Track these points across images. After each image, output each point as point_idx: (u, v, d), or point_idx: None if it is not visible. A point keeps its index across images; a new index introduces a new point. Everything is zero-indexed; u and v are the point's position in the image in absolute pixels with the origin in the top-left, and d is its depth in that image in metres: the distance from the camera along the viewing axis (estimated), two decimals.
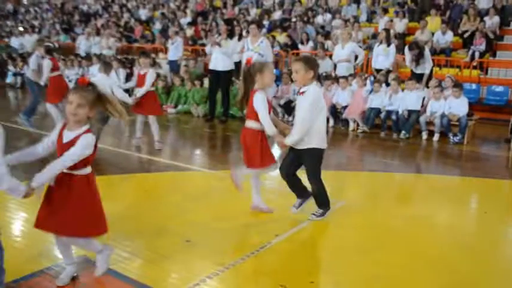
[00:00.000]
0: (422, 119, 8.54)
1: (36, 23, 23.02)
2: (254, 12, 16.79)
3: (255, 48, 8.85)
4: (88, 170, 3.07)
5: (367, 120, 9.08)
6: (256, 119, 4.27)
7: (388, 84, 9.33)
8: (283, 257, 3.87)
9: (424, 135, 8.62)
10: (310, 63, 4.11)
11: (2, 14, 27.97)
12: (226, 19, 10.95)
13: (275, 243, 4.04)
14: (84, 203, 3.06)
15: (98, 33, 16.82)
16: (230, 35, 9.37)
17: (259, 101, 4.19)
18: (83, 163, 2.99)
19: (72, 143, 2.93)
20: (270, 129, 4.23)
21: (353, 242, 4.16)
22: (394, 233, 4.38)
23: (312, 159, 4.29)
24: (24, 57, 16.12)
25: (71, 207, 3.00)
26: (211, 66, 9.55)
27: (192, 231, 4.22)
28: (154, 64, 8.30)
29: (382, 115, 8.98)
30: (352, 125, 9.32)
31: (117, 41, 16.62)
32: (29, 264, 3.50)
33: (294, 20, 15.06)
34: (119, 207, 4.84)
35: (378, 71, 10.23)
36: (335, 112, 9.52)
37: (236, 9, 17.34)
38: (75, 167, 2.97)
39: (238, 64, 9.55)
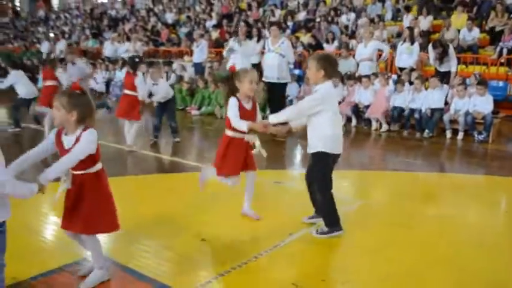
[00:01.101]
0: (446, 117, 8.42)
1: (66, 28, 23.57)
2: (278, 13, 16.79)
3: (276, 49, 8.86)
4: (98, 166, 3.14)
5: (391, 119, 9.00)
6: (229, 126, 4.21)
7: (411, 83, 9.22)
8: (296, 255, 3.88)
9: (448, 134, 8.49)
10: (322, 61, 3.93)
11: (33, 20, 28.71)
12: (245, 20, 10.99)
13: (289, 241, 4.06)
14: (97, 200, 3.13)
15: (127, 38, 17.07)
16: (249, 35, 9.46)
17: (229, 106, 4.15)
18: (91, 161, 3.06)
19: (75, 142, 3.00)
20: (240, 125, 4.09)
21: (368, 240, 4.14)
22: (412, 233, 4.33)
23: (316, 164, 4.07)
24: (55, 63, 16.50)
25: (86, 206, 3.09)
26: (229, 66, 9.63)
27: (208, 230, 4.27)
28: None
29: (405, 114, 8.88)
30: (374, 125, 9.25)
31: (144, 44, 16.87)
32: (48, 260, 3.60)
33: (318, 20, 15.02)
34: (140, 207, 4.96)
35: (402, 69, 10.13)
36: (357, 111, 9.46)
37: (261, 10, 17.38)
38: (84, 166, 3.04)
39: (258, 65, 9.59)
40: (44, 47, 18.79)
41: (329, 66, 3.93)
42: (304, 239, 4.13)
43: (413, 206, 5.11)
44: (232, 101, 4.16)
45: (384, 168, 6.90)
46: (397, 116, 8.97)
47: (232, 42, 9.74)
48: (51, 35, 21.39)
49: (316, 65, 3.93)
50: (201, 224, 4.41)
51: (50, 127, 8.21)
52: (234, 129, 4.19)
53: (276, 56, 8.84)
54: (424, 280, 3.46)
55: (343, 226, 4.42)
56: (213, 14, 18.12)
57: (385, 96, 9.12)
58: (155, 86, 7.61)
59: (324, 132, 3.95)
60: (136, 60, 7.44)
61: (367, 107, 9.27)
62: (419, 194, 5.69)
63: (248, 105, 4.22)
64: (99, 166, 3.14)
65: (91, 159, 3.06)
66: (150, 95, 7.65)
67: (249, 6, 18.08)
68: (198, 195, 4.86)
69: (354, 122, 9.59)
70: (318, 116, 3.94)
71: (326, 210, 4.15)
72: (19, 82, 8.63)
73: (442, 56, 9.19)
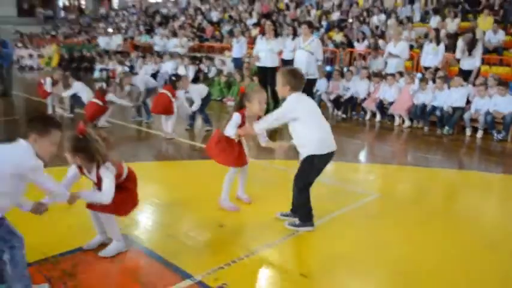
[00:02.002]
0: (466, 115, 7.96)
1: (123, 25, 23.80)
2: (314, 13, 16.40)
3: (306, 46, 8.58)
4: (122, 178, 3.31)
5: (414, 115, 8.59)
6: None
7: (435, 82, 8.76)
8: (308, 246, 3.68)
9: (468, 132, 8.03)
10: (287, 77, 3.71)
11: (96, 17, 29.20)
12: (272, 19, 10.72)
13: (303, 231, 3.85)
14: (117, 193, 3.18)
15: (175, 34, 17.06)
16: (275, 33, 9.22)
17: (232, 120, 4.08)
18: (116, 178, 3.18)
19: (99, 179, 3.12)
20: (230, 133, 4.08)
21: (381, 234, 3.89)
22: (426, 229, 4.04)
23: (303, 163, 3.80)
24: (110, 55, 16.70)
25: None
26: (259, 64, 9.41)
27: (227, 217, 4.13)
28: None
29: (427, 111, 8.44)
30: (397, 120, 8.86)
31: (190, 40, 16.83)
32: (75, 239, 3.53)
33: (350, 20, 14.58)
34: (166, 192, 4.87)
35: (427, 68, 9.66)
36: (382, 107, 9.09)
37: (298, 10, 17.01)
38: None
39: (290, 62, 9.31)
40: (102, 41, 18.99)
41: (294, 80, 3.71)
42: (317, 229, 3.90)
43: (429, 202, 4.80)
44: (236, 116, 4.09)
45: (404, 163, 6.56)
46: (419, 113, 8.54)
47: (258, 40, 9.52)
48: (110, 30, 21.61)
49: (282, 80, 3.74)
50: (221, 210, 4.26)
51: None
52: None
53: (305, 53, 8.56)
54: (435, 278, 3.19)
55: (355, 218, 4.20)
56: (254, 13, 17.87)
57: (409, 94, 8.71)
58: (188, 94, 7.55)
59: (308, 138, 3.71)
60: (174, 79, 7.46)
61: (391, 103, 8.88)
62: (436, 190, 5.37)
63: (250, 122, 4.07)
64: (125, 172, 3.33)
65: (116, 177, 3.21)
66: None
67: (287, 6, 17.74)
68: (221, 182, 4.69)
69: (378, 117, 9.23)
70: (296, 124, 3.71)
71: (300, 203, 3.89)
72: (82, 90, 8.73)
73: (471, 47, 8.65)
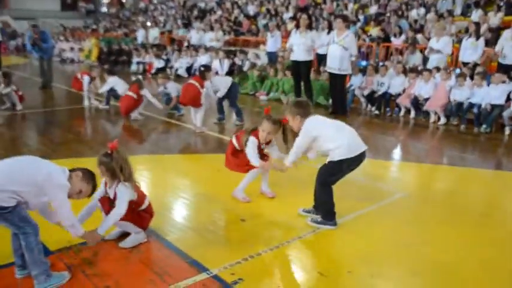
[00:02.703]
0: (506, 113, 7.63)
1: (161, 18, 24.13)
2: (351, 7, 16.13)
3: (340, 41, 8.45)
4: (143, 207, 3.44)
5: (450, 112, 8.33)
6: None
7: (473, 78, 8.45)
8: (329, 244, 3.62)
9: (507, 131, 7.70)
10: (294, 108, 3.81)
11: (135, 11, 29.71)
12: (308, 13, 10.57)
13: (322, 229, 3.79)
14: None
15: (211, 27, 17.14)
16: (310, 27, 9.10)
17: (249, 147, 4.17)
18: (136, 205, 3.35)
19: (115, 196, 3.22)
20: (254, 162, 4.13)
21: (403, 234, 3.79)
22: (452, 231, 3.89)
23: (331, 165, 3.74)
24: (146, 48, 16.95)
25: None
26: (292, 57, 9.33)
27: (249, 211, 4.12)
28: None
29: (464, 108, 8.16)
30: (433, 117, 8.61)
31: (226, 34, 16.89)
32: None
33: (388, 14, 14.27)
34: (190, 185, 4.91)
35: (466, 64, 9.34)
36: (417, 103, 8.85)
37: (335, 4, 16.77)
38: (132, 209, 3.32)
39: (324, 56, 9.22)
40: (140, 34, 19.30)
41: (302, 110, 3.79)
42: (339, 227, 3.84)
43: (460, 203, 4.62)
44: (252, 141, 4.16)
45: (438, 162, 6.35)
46: (456, 110, 8.27)
47: (293, 34, 9.44)
48: (148, 23, 21.94)
49: (290, 113, 3.83)
50: (244, 204, 4.27)
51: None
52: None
53: (339, 48, 8.44)
54: (458, 281, 3.08)
55: (376, 217, 4.11)
56: (290, 7, 17.74)
57: (445, 90, 8.44)
58: (212, 83, 7.56)
59: (337, 147, 3.66)
60: (203, 69, 7.39)
61: (427, 99, 8.63)
62: (470, 191, 5.14)
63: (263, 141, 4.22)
64: (146, 204, 3.45)
65: (135, 204, 3.34)
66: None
67: (324, 0, 17.52)
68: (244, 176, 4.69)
69: (412, 113, 8.98)
70: (321, 141, 3.73)
71: (322, 199, 3.86)
72: (117, 84, 8.96)
73: None
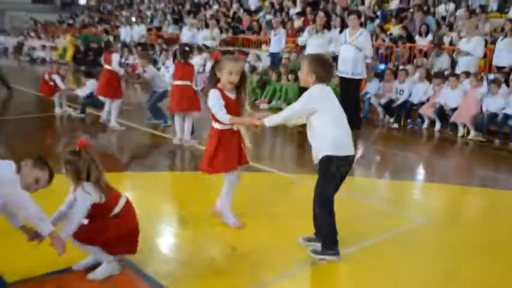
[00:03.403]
0: None
1: (149, 13, 24.35)
2: (369, 1, 16.27)
3: (353, 41, 8.52)
4: (119, 208, 3.37)
5: (480, 126, 8.36)
6: (215, 119, 4.12)
7: (509, 85, 8.50)
8: (331, 278, 3.63)
9: None
10: (314, 65, 3.71)
11: (118, 4, 29.98)
12: (326, 10, 10.67)
13: (327, 260, 3.80)
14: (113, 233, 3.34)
15: (206, 24, 17.25)
16: (328, 26, 9.15)
17: (211, 99, 4.05)
18: (106, 209, 3.30)
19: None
20: (223, 118, 4.00)
21: (419, 269, 3.78)
22: (477, 263, 3.89)
23: (320, 169, 3.76)
24: (130, 48, 17.07)
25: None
26: None
27: (242, 238, 4.13)
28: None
29: (498, 120, 8.19)
30: (461, 130, 8.64)
31: (223, 31, 17.01)
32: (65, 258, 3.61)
33: (411, 10, 14.38)
34: (175, 207, 4.94)
35: (500, 68, 9.40)
36: (442, 114, 8.89)
37: None
38: (104, 213, 3.31)
39: (335, 58, 9.27)
40: (123, 32, 19.47)
41: (321, 71, 3.70)
42: (345, 258, 3.84)
43: (492, 231, 4.60)
44: (214, 93, 4.05)
45: (467, 183, 6.35)
46: (489, 122, 8.30)
47: (309, 30, 9.50)
48: (133, 19, 22.15)
49: (308, 67, 3.72)
50: (236, 231, 4.27)
51: (107, 114, 8.49)
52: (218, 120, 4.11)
53: (352, 48, 8.51)
54: None
55: (396, 247, 4.11)
56: (298, 1, 17.89)
57: (476, 99, 8.49)
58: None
59: (325, 135, 3.68)
60: (187, 49, 7.45)
61: (454, 109, 8.67)
62: (503, 217, 5.12)
63: (232, 95, 4.10)
64: (119, 207, 3.36)
65: (105, 208, 3.28)
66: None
67: None
68: (239, 197, 4.72)
69: (437, 126, 9.02)
70: (315, 119, 3.68)
71: (323, 223, 3.82)
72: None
73: None
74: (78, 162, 3.15)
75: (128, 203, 3.45)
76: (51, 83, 9.52)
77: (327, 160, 3.69)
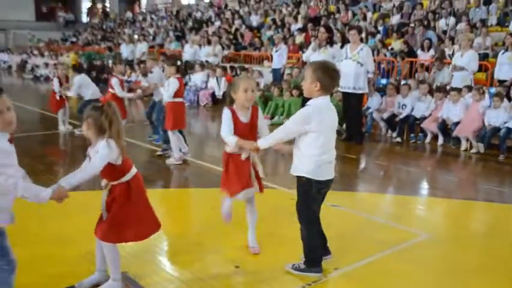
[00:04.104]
0: None
1: (151, 30, 24.52)
2: (370, 16, 16.37)
3: (354, 56, 8.57)
4: (129, 176, 3.32)
5: (482, 139, 8.35)
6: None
7: (510, 99, 8.51)
8: None
9: None
10: (319, 72, 3.53)
11: (121, 22, 30.22)
12: (325, 25, 10.72)
13: (331, 277, 3.78)
14: (122, 210, 3.30)
15: (208, 41, 17.33)
16: (330, 42, 9.18)
17: (223, 118, 3.92)
18: (119, 172, 3.27)
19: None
20: (228, 140, 3.86)
21: (422, 286, 3.77)
22: (482, 280, 3.85)
23: (300, 193, 3.72)
24: (132, 65, 17.17)
25: (110, 215, 3.31)
26: None
27: (244, 255, 4.12)
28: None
29: (501, 134, 8.18)
30: (464, 144, 8.63)
31: (224, 48, 17.11)
32: (69, 275, 3.61)
33: (412, 24, 14.45)
34: (178, 224, 4.92)
35: (502, 82, 9.42)
36: (445, 128, 8.89)
37: (350, 13, 17.02)
38: (115, 177, 3.29)
39: None
40: (125, 49, 19.57)
41: (326, 79, 3.53)
42: (345, 276, 3.82)
43: (497, 247, 4.55)
44: (225, 113, 3.91)
45: (471, 198, 6.31)
46: (491, 136, 8.29)
47: (310, 48, 9.55)
48: (135, 36, 22.30)
49: (312, 75, 3.55)
50: (238, 248, 4.26)
51: None
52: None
53: (353, 63, 8.56)
54: None
55: (399, 264, 4.09)
56: (299, 17, 18.01)
57: (478, 113, 8.48)
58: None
59: (311, 158, 3.58)
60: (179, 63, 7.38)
61: (457, 124, 8.67)
62: (508, 232, 5.10)
63: (244, 118, 3.91)
64: (130, 175, 3.33)
65: (119, 170, 3.27)
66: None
67: (338, 9, 17.79)
68: (242, 215, 4.71)
69: (440, 140, 9.01)
70: (304, 140, 3.59)
71: (306, 244, 3.80)
72: (83, 85, 9.11)
73: None
74: (100, 115, 3.17)
75: (137, 174, 3.43)
76: (58, 97, 9.59)
77: (307, 183, 3.63)
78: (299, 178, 3.68)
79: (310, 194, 3.67)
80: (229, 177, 3.99)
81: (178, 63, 7.06)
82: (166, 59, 7.60)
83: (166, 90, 6.87)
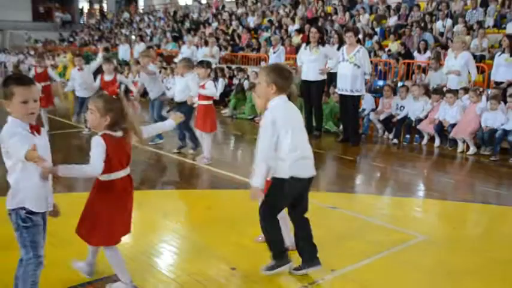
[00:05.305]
0: None
1: (148, 31, 24.50)
2: (366, 18, 16.38)
3: (350, 58, 8.58)
4: (113, 176, 3.25)
5: (481, 141, 8.36)
6: None
7: (506, 101, 8.51)
8: None
9: None
10: (273, 75, 3.57)
11: (118, 22, 30.20)
12: (317, 26, 10.70)
13: (328, 279, 3.79)
14: (100, 208, 3.26)
15: (206, 42, 17.32)
16: (321, 42, 9.19)
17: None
18: (105, 168, 3.15)
19: None
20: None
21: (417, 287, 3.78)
22: (477, 282, 3.87)
23: (272, 188, 3.70)
24: (130, 66, 17.17)
25: (89, 211, 3.30)
26: (302, 76, 9.42)
27: (241, 257, 4.13)
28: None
29: (497, 135, 8.19)
30: (461, 146, 8.64)
31: (222, 49, 17.10)
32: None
33: (409, 26, 14.48)
34: (174, 225, 4.91)
35: (498, 84, 9.43)
36: (441, 130, 8.90)
37: (347, 15, 17.04)
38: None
39: (334, 75, 9.30)
40: (122, 50, 19.55)
41: (281, 80, 3.58)
42: (343, 278, 3.83)
43: (493, 249, 4.57)
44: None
45: (467, 199, 6.32)
46: (488, 138, 8.30)
47: (302, 50, 9.57)
48: (133, 37, 22.27)
49: (267, 79, 3.59)
50: (235, 250, 4.28)
51: None
52: None
53: (350, 65, 8.57)
54: None
55: (395, 265, 4.10)
56: (296, 18, 18.02)
57: (476, 114, 8.49)
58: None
59: (283, 160, 3.57)
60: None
61: (453, 125, 8.68)
62: (504, 234, 5.11)
63: None
64: (114, 176, 3.26)
65: (105, 167, 3.17)
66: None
67: (335, 11, 17.81)
68: (239, 217, 4.73)
69: (437, 142, 9.03)
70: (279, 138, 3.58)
71: (272, 240, 3.79)
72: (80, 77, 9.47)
73: None
74: (119, 108, 3.19)
75: (128, 177, 3.40)
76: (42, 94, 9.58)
77: (280, 183, 3.63)
78: (274, 178, 3.67)
79: (281, 192, 3.66)
80: None
81: (213, 66, 7.30)
82: (200, 62, 7.68)
83: (205, 92, 7.20)
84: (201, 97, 7.21)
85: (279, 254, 3.78)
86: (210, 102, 7.28)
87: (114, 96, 3.23)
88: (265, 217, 3.72)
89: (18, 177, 2.83)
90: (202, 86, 7.20)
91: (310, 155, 3.71)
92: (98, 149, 3.10)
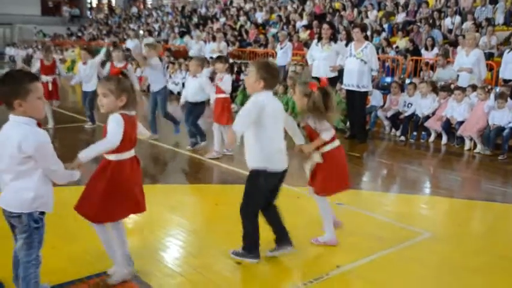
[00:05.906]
0: None
1: (156, 26, 24.54)
2: (374, 14, 16.33)
3: (358, 54, 8.56)
4: (120, 156, 3.27)
5: (486, 140, 8.33)
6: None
7: None
8: None
9: None
10: (262, 71, 3.71)
11: (126, 17, 30.24)
12: (330, 22, 10.67)
13: (333, 275, 3.80)
14: (104, 187, 3.25)
15: (213, 37, 17.34)
16: (334, 38, 9.17)
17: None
18: (119, 147, 3.20)
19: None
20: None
21: (424, 284, 3.78)
22: (483, 280, 3.86)
23: (248, 180, 3.86)
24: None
25: (90, 187, 3.30)
26: (313, 73, 9.39)
27: None
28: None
29: (504, 134, 8.15)
30: (468, 144, 8.61)
31: (229, 44, 17.09)
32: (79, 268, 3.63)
33: (418, 23, 14.43)
34: (181, 220, 4.93)
35: (507, 81, 9.38)
36: (449, 128, 8.87)
37: (355, 11, 16.99)
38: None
39: (340, 71, 9.27)
40: (130, 44, 19.58)
41: (269, 77, 3.74)
42: (350, 273, 3.84)
43: (500, 247, 4.56)
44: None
45: (474, 197, 6.32)
46: (495, 136, 8.26)
47: (313, 46, 9.54)
48: (141, 32, 22.30)
49: (256, 74, 3.73)
50: (240, 244, 4.25)
51: None
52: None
53: (357, 61, 8.55)
54: None
55: (402, 261, 4.11)
56: (304, 14, 17.99)
57: (483, 112, 8.45)
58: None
59: (258, 150, 3.75)
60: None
61: (461, 123, 8.65)
62: (510, 232, 5.12)
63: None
64: (121, 156, 3.27)
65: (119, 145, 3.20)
66: None
67: (344, 7, 17.76)
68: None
69: (444, 139, 9.00)
70: (251, 132, 3.72)
71: (245, 231, 3.93)
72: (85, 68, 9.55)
73: None
74: (130, 89, 3.23)
75: (135, 158, 3.42)
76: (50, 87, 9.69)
77: (256, 174, 3.77)
78: (250, 171, 3.81)
79: (257, 184, 3.80)
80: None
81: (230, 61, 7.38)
82: (219, 57, 7.85)
83: (222, 85, 7.28)
84: (218, 90, 7.30)
85: (250, 246, 3.92)
86: (227, 95, 7.43)
87: (120, 76, 3.26)
88: (246, 216, 3.87)
89: (38, 182, 2.84)
90: (220, 80, 7.33)
91: (284, 148, 3.87)
92: (117, 125, 3.15)
